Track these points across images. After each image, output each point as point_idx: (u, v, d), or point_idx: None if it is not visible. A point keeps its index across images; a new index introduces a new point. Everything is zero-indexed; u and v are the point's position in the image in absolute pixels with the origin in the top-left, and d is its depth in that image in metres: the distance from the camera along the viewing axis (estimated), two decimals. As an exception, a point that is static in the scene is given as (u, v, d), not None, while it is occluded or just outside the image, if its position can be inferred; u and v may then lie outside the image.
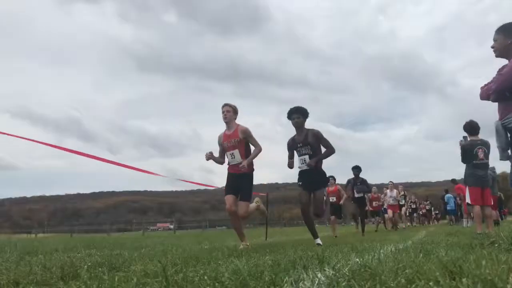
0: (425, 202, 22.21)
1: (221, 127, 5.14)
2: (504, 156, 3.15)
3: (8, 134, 3.64)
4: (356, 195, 9.59)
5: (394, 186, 13.99)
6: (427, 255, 2.12)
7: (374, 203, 13.52)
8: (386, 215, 13.87)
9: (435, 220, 23.48)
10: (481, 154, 5.76)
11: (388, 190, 13.63)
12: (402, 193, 14.72)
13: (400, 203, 14.18)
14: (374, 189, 13.64)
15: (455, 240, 3.87)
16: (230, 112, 4.98)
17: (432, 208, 22.99)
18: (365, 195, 9.99)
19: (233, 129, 4.93)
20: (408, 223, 17.59)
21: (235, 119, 5.06)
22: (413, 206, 18.82)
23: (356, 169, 9.71)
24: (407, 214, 16.86)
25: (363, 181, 9.70)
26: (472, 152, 5.79)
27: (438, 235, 5.95)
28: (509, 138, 3.12)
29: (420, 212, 20.67)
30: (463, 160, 5.96)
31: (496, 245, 2.78)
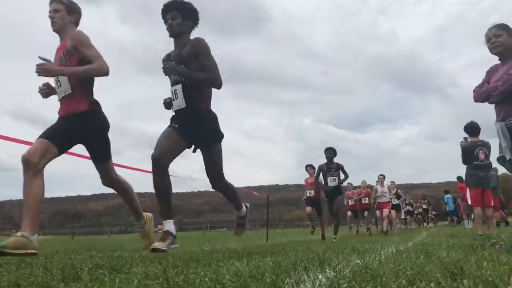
0: (422, 201, 21.83)
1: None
2: None
3: (7, 139, 3.64)
4: (330, 183, 7.40)
5: (384, 180, 11.69)
6: (428, 257, 2.11)
7: (363, 200, 12.15)
8: (378, 213, 11.80)
9: (432, 222, 23.14)
10: (481, 155, 5.76)
11: (378, 186, 11.48)
12: (394, 191, 12.78)
13: (393, 202, 12.26)
14: (363, 183, 12.44)
15: (456, 241, 3.87)
16: (59, 13, 2.88)
17: (430, 209, 22.73)
18: (340, 185, 7.51)
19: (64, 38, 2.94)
20: (404, 226, 16.80)
21: (74, 24, 2.97)
22: (408, 207, 17.41)
23: (329, 151, 7.48)
24: (402, 217, 15.97)
25: (339, 167, 7.47)
26: (472, 153, 5.79)
27: (439, 236, 5.95)
28: None
29: (416, 212, 20.08)
30: (464, 161, 5.97)
31: (497, 246, 2.78)
